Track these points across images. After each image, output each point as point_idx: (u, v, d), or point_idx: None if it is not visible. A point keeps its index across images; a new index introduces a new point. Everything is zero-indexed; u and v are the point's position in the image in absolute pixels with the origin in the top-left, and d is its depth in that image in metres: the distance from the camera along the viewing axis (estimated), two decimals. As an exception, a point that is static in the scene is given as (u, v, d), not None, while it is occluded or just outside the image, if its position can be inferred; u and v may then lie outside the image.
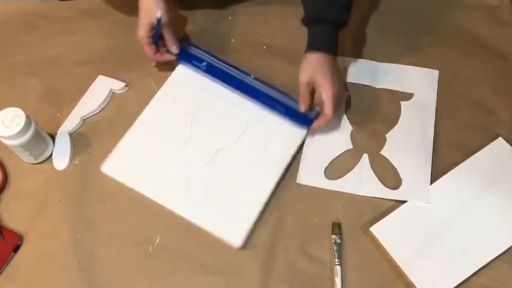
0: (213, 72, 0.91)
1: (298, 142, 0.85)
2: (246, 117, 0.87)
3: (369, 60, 0.94)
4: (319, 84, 0.80)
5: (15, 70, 0.97)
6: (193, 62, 0.92)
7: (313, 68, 0.80)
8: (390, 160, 0.83)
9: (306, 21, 0.83)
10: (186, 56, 0.92)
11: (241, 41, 0.98)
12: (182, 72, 0.92)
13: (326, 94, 0.79)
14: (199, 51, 0.93)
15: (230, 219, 0.79)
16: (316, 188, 0.82)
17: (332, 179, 0.82)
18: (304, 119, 0.84)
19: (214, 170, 0.83)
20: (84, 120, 0.91)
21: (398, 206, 0.79)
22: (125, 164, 0.84)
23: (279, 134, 0.85)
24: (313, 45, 0.82)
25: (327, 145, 0.84)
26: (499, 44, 0.95)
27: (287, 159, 0.83)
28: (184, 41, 0.94)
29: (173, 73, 0.93)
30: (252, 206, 0.79)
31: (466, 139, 0.85)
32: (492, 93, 0.90)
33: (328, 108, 0.80)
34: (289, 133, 0.85)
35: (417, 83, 0.91)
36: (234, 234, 0.77)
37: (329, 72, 0.80)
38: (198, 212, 0.79)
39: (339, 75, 0.83)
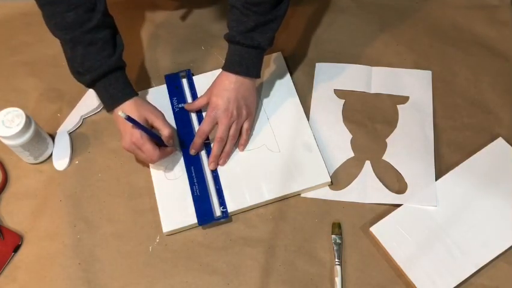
0: (180, 117, 0.89)
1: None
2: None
3: (361, 65, 0.93)
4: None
5: (15, 70, 0.97)
6: (173, 98, 0.91)
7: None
8: (393, 165, 0.83)
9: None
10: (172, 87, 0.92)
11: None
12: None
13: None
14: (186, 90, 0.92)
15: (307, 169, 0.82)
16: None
17: (336, 190, 0.82)
18: (209, 213, 0.79)
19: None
20: (84, 119, 0.91)
21: (398, 206, 0.79)
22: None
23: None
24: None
25: (328, 155, 0.84)
26: (499, 44, 0.95)
27: None
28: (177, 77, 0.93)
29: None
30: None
31: (466, 139, 0.85)
32: (492, 93, 0.90)
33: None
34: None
35: (411, 85, 0.91)
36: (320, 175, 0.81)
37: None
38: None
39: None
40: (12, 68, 0.97)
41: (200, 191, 0.81)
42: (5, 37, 1.01)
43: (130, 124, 0.75)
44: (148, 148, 0.76)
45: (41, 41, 0.99)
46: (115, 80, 0.78)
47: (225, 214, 0.79)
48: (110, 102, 0.79)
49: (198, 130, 0.83)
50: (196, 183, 0.82)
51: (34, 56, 0.98)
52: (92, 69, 0.77)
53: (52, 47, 0.98)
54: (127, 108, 0.77)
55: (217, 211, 0.79)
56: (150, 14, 1.03)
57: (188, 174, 0.82)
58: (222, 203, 0.80)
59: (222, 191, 0.81)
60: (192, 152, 0.83)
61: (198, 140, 0.83)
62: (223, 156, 0.83)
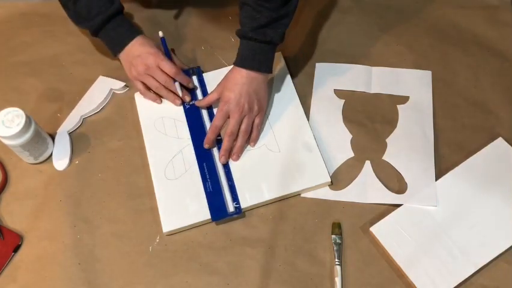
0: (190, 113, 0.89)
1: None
2: None
3: (361, 65, 0.93)
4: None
5: (15, 70, 0.97)
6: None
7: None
8: (393, 165, 0.83)
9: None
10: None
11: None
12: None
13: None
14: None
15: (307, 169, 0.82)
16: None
17: (336, 190, 0.82)
18: (222, 208, 0.80)
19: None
20: (84, 119, 0.91)
21: (397, 206, 0.79)
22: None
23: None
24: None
25: (328, 155, 0.84)
26: (499, 44, 0.95)
27: None
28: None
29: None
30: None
31: (466, 139, 0.85)
32: (492, 93, 0.90)
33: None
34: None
35: (411, 86, 0.91)
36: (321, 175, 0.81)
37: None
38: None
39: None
40: (12, 68, 0.97)
41: (212, 187, 0.81)
42: (5, 37, 1.01)
43: (147, 48, 0.85)
44: (167, 63, 0.85)
45: (41, 41, 0.99)
46: (121, 21, 0.86)
47: (238, 210, 0.79)
48: (119, 42, 0.86)
49: (211, 125, 0.83)
50: (208, 180, 0.82)
51: (34, 56, 0.98)
52: (100, 13, 0.84)
53: (52, 47, 0.98)
54: (139, 42, 0.86)
55: (231, 207, 0.79)
56: (149, 14, 1.03)
57: (200, 171, 0.83)
58: (235, 198, 0.80)
59: (234, 186, 0.81)
60: (206, 146, 0.84)
61: (210, 136, 0.83)
62: (235, 152, 0.83)
